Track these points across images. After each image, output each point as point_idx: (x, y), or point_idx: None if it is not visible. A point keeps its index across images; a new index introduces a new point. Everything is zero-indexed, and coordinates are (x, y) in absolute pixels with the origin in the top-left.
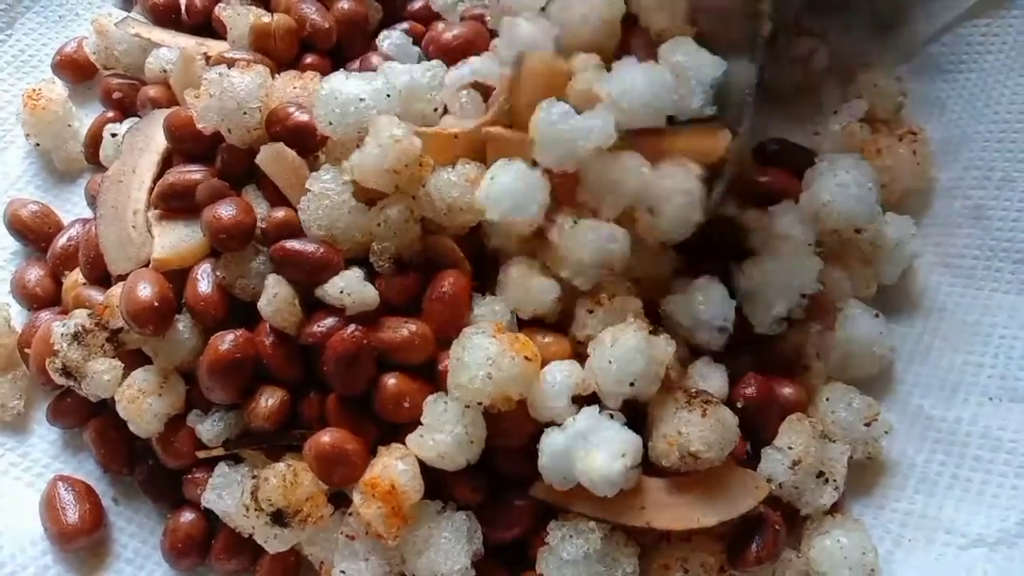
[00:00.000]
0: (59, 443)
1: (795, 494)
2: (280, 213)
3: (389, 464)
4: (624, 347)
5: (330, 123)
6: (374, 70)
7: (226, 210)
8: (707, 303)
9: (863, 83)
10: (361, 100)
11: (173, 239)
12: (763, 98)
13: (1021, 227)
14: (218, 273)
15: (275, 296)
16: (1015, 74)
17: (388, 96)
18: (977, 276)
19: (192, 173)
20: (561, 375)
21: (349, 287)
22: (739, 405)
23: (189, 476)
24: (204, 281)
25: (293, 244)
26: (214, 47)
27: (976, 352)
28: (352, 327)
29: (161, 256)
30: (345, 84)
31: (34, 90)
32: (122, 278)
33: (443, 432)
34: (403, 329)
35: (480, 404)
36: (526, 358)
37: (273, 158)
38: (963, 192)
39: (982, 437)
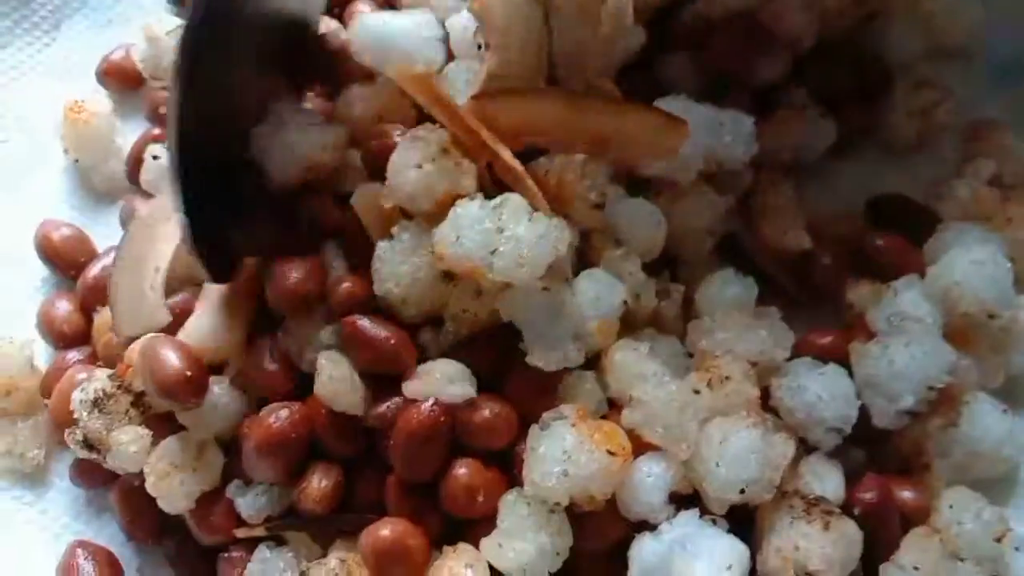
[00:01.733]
0: (80, 500)
1: None
2: (347, 284)
3: (457, 571)
4: (736, 447)
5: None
6: None
7: (295, 271)
8: (829, 400)
9: (991, 142)
10: None
11: (207, 324)
12: None
13: None
14: (282, 343)
15: (331, 378)
16: None
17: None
18: None
19: None
20: (657, 469)
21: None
22: (856, 512)
23: (226, 555)
24: (266, 354)
25: (364, 325)
26: None
27: None
28: (431, 402)
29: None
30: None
31: (76, 102)
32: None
33: (525, 540)
34: (485, 409)
35: (559, 505)
36: (609, 452)
37: (369, 201)
38: None
39: None
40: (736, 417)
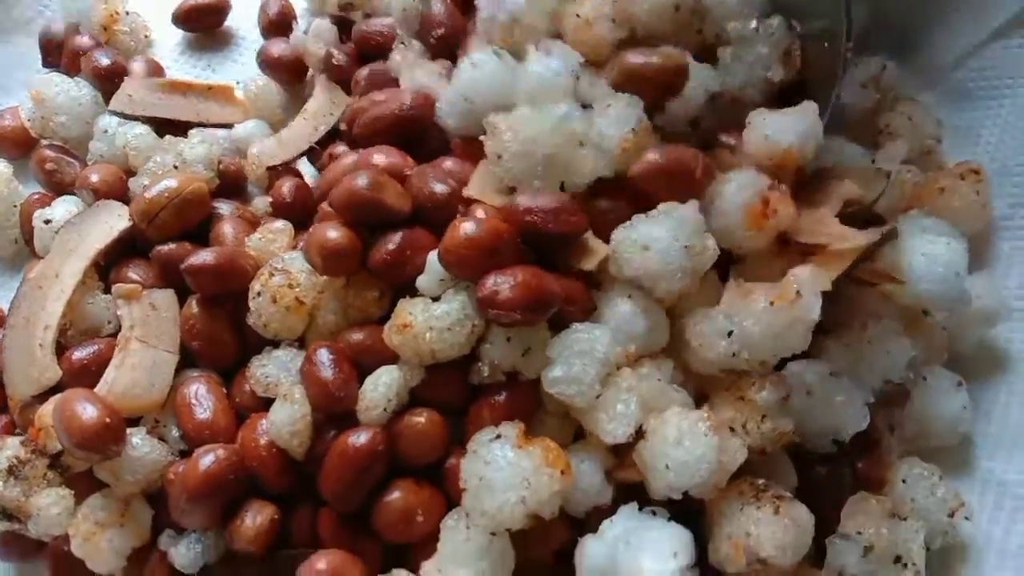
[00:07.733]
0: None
1: None
2: None
3: None
4: (689, 453)
5: None
6: None
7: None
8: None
9: (897, 117)
10: None
11: (128, 377)
12: None
13: None
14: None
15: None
16: None
17: None
18: None
19: None
20: (587, 456)
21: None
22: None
23: None
24: (201, 405)
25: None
26: None
27: None
28: (368, 432)
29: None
30: None
31: None
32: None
33: (467, 566)
34: (419, 417)
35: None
36: (562, 472)
37: None
38: (1012, 232)
39: None
40: (691, 415)
